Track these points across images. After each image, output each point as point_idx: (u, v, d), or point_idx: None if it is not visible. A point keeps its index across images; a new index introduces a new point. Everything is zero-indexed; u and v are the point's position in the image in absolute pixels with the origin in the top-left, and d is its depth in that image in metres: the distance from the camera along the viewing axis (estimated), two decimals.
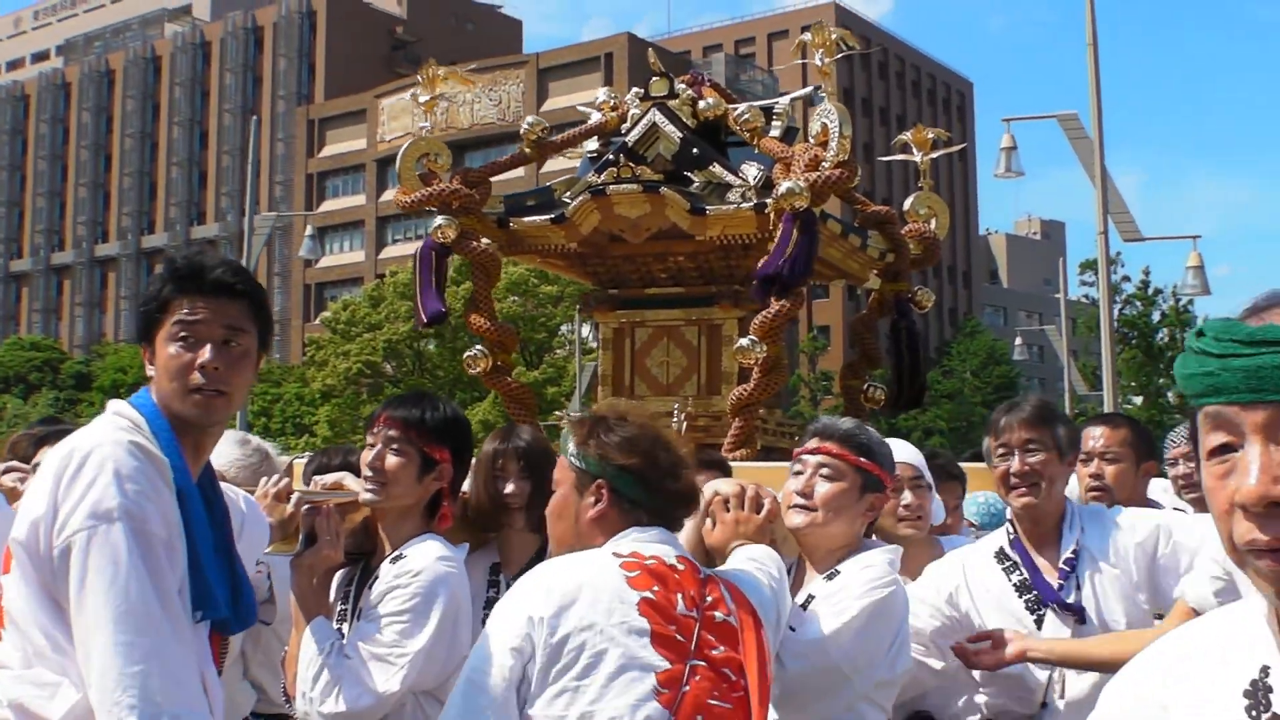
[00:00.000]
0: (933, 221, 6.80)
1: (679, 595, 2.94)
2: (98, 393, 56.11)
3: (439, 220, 6.06)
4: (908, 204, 6.90)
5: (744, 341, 5.72)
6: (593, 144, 6.75)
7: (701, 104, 6.40)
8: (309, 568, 3.77)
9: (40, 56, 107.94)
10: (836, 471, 3.69)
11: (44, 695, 2.68)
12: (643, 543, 3.04)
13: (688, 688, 2.84)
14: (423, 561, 3.68)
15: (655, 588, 2.92)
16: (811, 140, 5.83)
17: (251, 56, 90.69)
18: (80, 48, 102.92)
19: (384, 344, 47.78)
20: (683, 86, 6.46)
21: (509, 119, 71.66)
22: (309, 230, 28.61)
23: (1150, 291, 49.20)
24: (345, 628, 3.76)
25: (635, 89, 6.56)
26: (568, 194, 6.40)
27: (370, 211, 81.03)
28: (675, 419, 5.99)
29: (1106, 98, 19.18)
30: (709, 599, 2.98)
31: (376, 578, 3.75)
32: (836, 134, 5.66)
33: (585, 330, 40.12)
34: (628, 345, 6.47)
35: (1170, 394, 49.95)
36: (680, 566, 3.02)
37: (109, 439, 2.75)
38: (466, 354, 6.37)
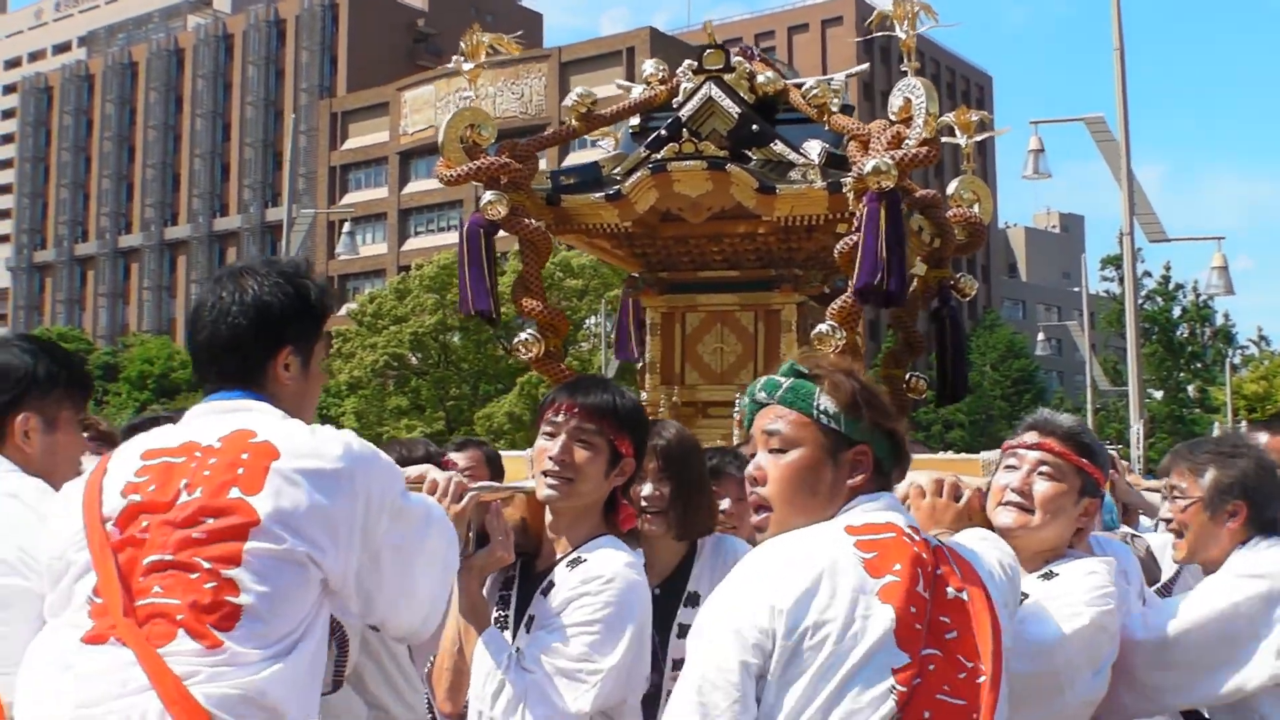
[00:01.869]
0: (976, 206, 6.49)
1: (919, 571, 2.70)
2: (125, 383, 56.50)
3: (488, 196, 5.71)
4: (951, 188, 6.55)
5: (823, 328, 5.42)
6: (633, 120, 6.41)
7: (760, 78, 6.09)
8: (480, 570, 3.41)
9: (62, 48, 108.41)
10: (1058, 471, 3.43)
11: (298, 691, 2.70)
12: (873, 511, 2.80)
13: (919, 680, 2.60)
14: (612, 567, 3.30)
15: (896, 566, 2.68)
16: (893, 116, 5.51)
17: (274, 49, 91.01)
18: (102, 39, 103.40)
19: (410, 336, 48.19)
20: (739, 60, 6.15)
21: (531, 112, 72.00)
22: (346, 227, 28.93)
23: (1171, 287, 49.37)
24: (509, 637, 3.39)
25: (689, 61, 6.21)
26: (617, 170, 6.10)
27: (393, 204, 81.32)
28: (736, 409, 5.56)
29: (1128, 93, 19.33)
30: (939, 571, 2.75)
31: (552, 584, 3.36)
32: (922, 110, 5.33)
33: (610, 325, 40.35)
34: (678, 331, 6.15)
35: (1190, 388, 50.16)
36: (915, 536, 2.78)
37: None
38: (518, 338, 5.96)
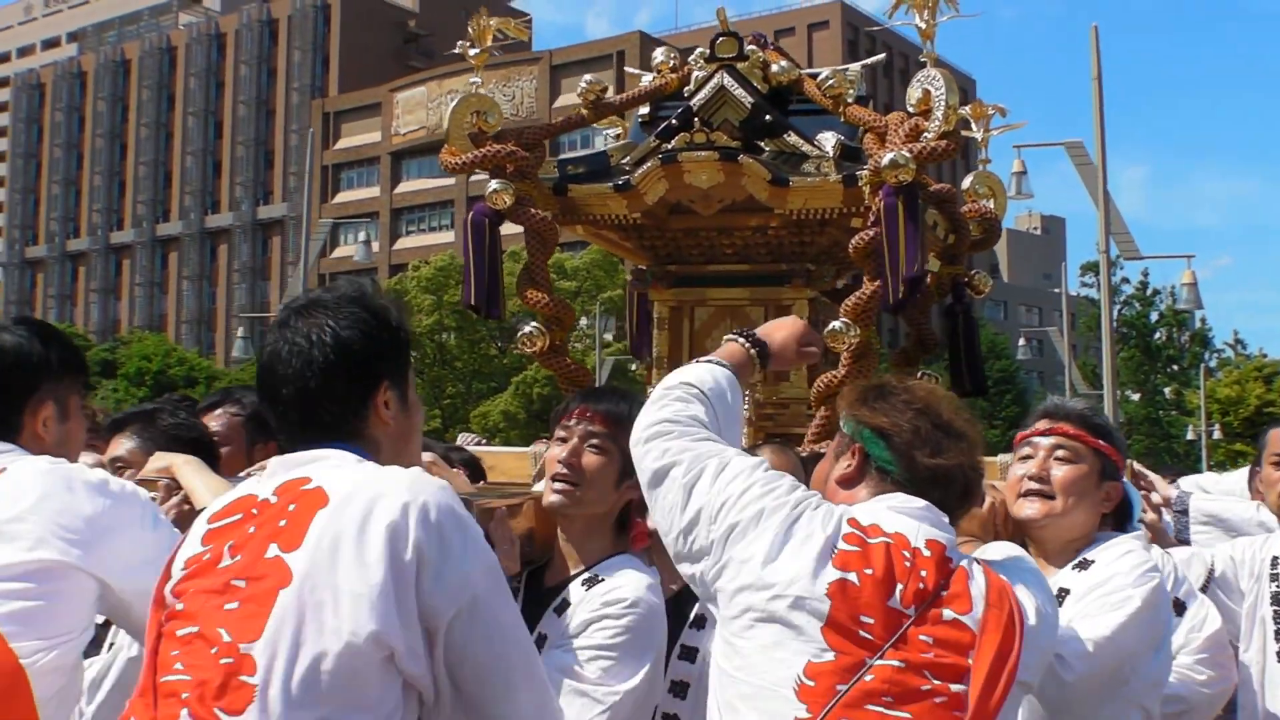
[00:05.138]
0: (990, 201, 6.29)
1: (899, 586, 2.56)
2: (122, 380, 57.10)
3: (494, 185, 5.52)
4: (966, 183, 6.39)
5: (836, 325, 5.26)
6: (642, 110, 6.25)
7: (774, 68, 5.98)
8: None
9: (51, 44, 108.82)
10: (1074, 454, 3.34)
11: None
12: (894, 513, 2.67)
13: (845, 686, 2.48)
14: (635, 590, 3.12)
15: (867, 570, 2.57)
16: (910, 108, 5.33)
17: (266, 49, 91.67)
18: (92, 36, 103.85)
19: None
20: (752, 48, 6.02)
21: (522, 114, 72.70)
22: (361, 235, 29.74)
23: (1149, 293, 50.45)
24: None
25: (700, 49, 6.08)
26: (626, 160, 5.96)
27: (384, 203, 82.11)
28: (743, 407, 5.21)
29: (1111, 93, 20.11)
30: (944, 593, 2.58)
31: (566, 602, 3.18)
32: (942, 101, 5.15)
33: (605, 326, 41.02)
34: (686, 326, 6.00)
35: (1166, 391, 51.27)
36: (926, 552, 2.62)
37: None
38: (522, 331, 5.79)
